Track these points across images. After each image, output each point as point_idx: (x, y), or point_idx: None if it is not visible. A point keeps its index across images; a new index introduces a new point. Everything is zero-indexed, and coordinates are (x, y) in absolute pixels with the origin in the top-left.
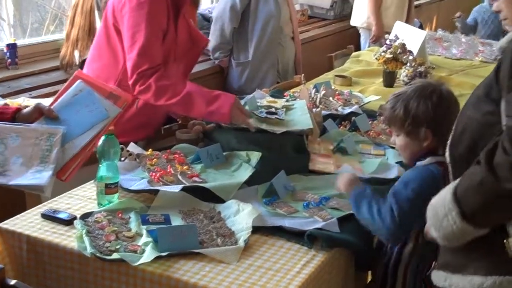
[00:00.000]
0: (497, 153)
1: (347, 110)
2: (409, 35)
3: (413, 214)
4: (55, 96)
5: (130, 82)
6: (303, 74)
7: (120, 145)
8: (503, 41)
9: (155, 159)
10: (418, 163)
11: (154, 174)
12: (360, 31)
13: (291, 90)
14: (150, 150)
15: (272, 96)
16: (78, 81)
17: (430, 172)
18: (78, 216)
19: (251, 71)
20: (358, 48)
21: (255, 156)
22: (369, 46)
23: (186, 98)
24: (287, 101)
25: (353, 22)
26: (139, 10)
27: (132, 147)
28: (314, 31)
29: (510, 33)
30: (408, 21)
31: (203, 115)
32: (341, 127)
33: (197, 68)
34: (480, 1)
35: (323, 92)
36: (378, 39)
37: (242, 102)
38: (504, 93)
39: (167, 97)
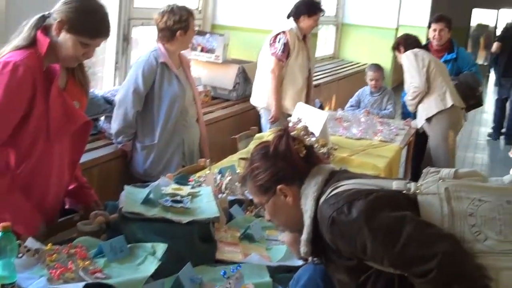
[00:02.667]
0: None
1: None
2: (310, 116)
3: None
4: None
5: None
6: (208, 160)
7: (18, 241)
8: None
9: (55, 255)
10: (311, 259)
11: (54, 271)
12: (261, 111)
13: (197, 175)
14: (49, 244)
15: (177, 182)
16: None
17: (322, 269)
18: None
19: (157, 154)
20: (260, 128)
21: (161, 248)
22: (270, 127)
23: None
24: (192, 187)
25: (253, 102)
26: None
27: (30, 242)
28: (218, 112)
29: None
30: (308, 101)
31: None
32: (248, 212)
33: (98, 153)
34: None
35: (228, 178)
36: (276, 120)
37: (147, 190)
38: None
39: None
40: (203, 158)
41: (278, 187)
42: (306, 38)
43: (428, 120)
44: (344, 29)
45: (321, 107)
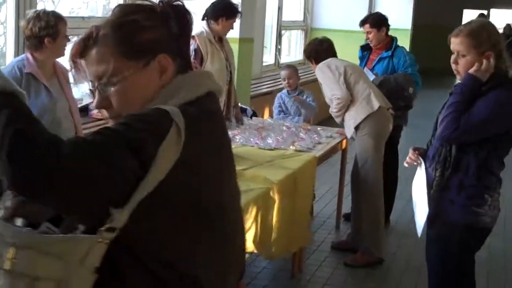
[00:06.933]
0: None
1: None
2: None
3: None
4: None
5: None
6: None
7: None
8: None
9: None
10: None
11: None
12: None
13: None
14: None
15: None
16: None
17: None
18: None
19: None
20: None
21: None
22: None
23: None
24: None
25: None
26: None
27: None
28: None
29: None
30: (228, 107)
31: None
32: None
33: None
34: None
35: None
36: None
37: None
38: None
39: None
40: None
41: (161, 55)
42: (222, 40)
43: (356, 128)
44: (314, 34)
45: (255, 115)
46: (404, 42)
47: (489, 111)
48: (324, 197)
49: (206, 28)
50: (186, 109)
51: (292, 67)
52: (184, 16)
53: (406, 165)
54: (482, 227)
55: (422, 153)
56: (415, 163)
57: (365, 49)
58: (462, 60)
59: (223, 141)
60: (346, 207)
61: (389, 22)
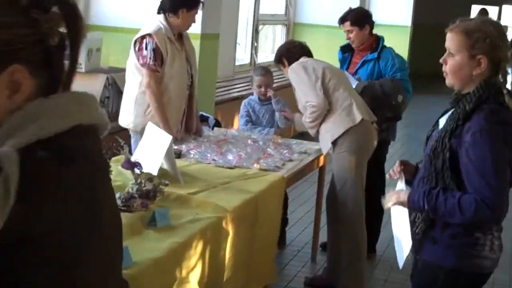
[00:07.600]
0: None
1: None
2: (156, 140)
3: None
4: None
5: None
6: None
7: None
8: None
9: None
10: None
11: None
12: (131, 134)
13: None
14: None
15: None
16: None
17: None
18: None
19: None
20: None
21: None
22: None
23: None
24: None
25: (121, 122)
26: None
27: None
28: None
29: None
30: (190, 116)
31: None
32: None
33: None
34: None
35: None
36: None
37: None
38: None
39: None
40: None
41: (14, 66)
42: (182, 37)
43: (333, 143)
44: (297, 29)
45: (218, 125)
46: (403, 40)
47: (489, 149)
48: (300, 223)
49: (164, 23)
50: (33, 154)
51: (268, 72)
52: (74, 17)
53: (388, 177)
54: (478, 272)
55: (412, 171)
56: (395, 177)
57: (346, 50)
58: (450, 60)
59: (100, 203)
60: (324, 235)
61: (387, 18)
